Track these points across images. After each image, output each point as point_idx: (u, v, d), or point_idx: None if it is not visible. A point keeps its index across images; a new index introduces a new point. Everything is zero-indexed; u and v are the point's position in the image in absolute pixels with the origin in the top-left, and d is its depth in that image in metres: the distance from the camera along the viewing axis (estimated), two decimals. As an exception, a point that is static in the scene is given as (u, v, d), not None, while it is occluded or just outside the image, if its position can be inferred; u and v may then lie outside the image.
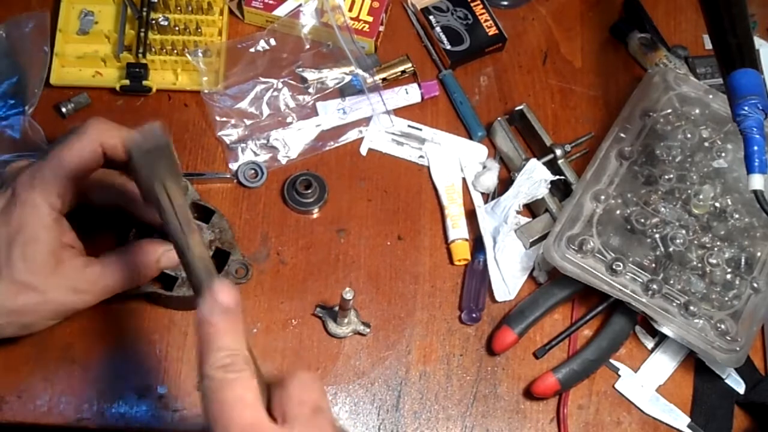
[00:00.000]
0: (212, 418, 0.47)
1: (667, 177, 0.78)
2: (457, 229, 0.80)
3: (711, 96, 0.82)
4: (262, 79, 0.84)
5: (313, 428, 0.49)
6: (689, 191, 0.77)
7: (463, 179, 0.83)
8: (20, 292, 0.61)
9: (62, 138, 0.67)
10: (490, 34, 0.88)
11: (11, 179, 0.63)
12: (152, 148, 0.55)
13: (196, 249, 0.54)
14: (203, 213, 0.74)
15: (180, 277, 0.71)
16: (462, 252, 0.79)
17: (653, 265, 0.74)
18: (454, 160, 0.83)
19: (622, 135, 0.80)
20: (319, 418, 0.49)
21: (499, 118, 0.83)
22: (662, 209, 0.76)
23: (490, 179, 0.82)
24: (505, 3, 0.92)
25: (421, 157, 0.84)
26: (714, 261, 0.74)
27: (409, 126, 0.85)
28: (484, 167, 0.83)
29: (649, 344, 0.78)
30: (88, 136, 0.63)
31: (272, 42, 0.86)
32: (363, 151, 0.84)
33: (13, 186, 0.62)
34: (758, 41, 0.91)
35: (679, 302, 0.73)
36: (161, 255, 0.67)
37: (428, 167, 0.83)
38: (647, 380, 0.76)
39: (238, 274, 0.72)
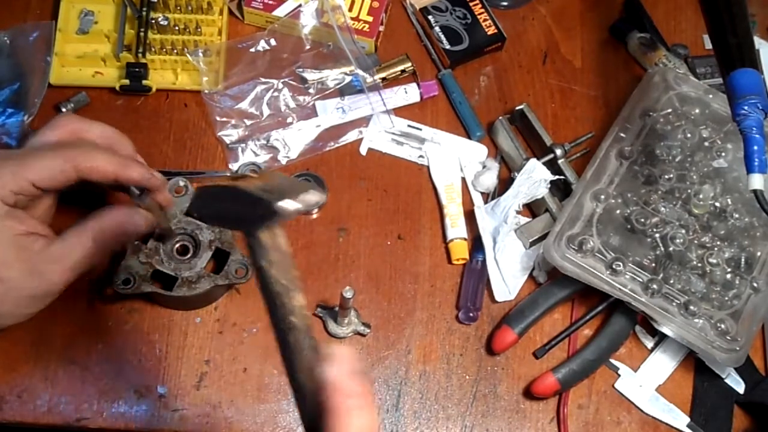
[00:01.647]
0: None
1: (667, 177, 0.78)
2: (456, 229, 0.80)
3: (711, 96, 0.83)
4: (263, 80, 0.84)
5: None
6: (689, 191, 0.77)
7: (463, 179, 0.83)
8: None
9: (40, 136, 0.65)
10: (489, 33, 0.88)
11: None
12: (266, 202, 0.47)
13: (299, 308, 0.46)
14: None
15: (180, 277, 0.71)
16: (460, 251, 0.79)
17: (653, 264, 0.74)
18: (454, 160, 0.83)
19: (622, 135, 0.80)
20: None
21: (500, 118, 0.83)
22: (662, 209, 0.76)
23: (490, 179, 0.82)
24: (505, 3, 0.92)
25: (420, 156, 0.84)
26: (714, 261, 0.74)
27: (408, 126, 0.85)
28: (484, 167, 0.83)
29: (649, 344, 0.78)
30: (63, 157, 0.62)
31: (272, 42, 0.86)
32: (363, 150, 0.84)
33: None
34: (758, 41, 0.91)
35: (679, 302, 0.73)
36: (127, 220, 0.65)
37: (428, 167, 0.83)
38: (647, 380, 0.76)
39: (237, 274, 0.72)
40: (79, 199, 0.70)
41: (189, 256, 0.72)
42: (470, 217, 0.80)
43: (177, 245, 0.72)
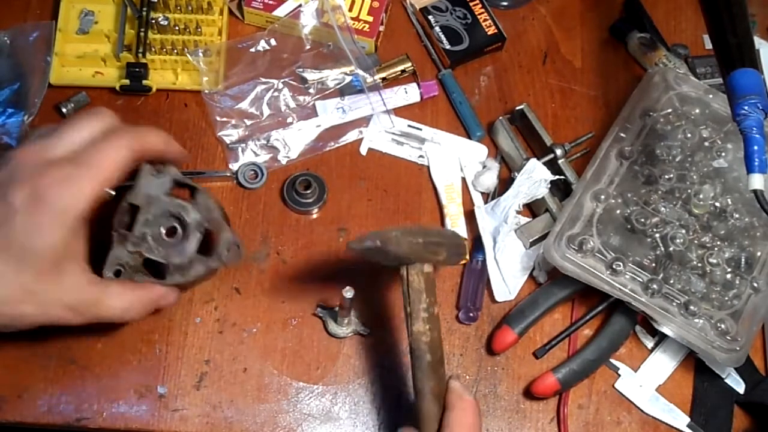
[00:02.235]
0: None
1: (667, 177, 0.78)
2: (456, 229, 0.80)
3: (711, 96, 0.83)
4: (263, 80, 0.84)
5: None
6: (689, 191, 0.77)
7: (463, 179, 0.83)
8: (24, 300, 0.59)
9: (79, 132, 0.62)
10: (489, 33, 0.88)
11: (30, 171, 0.58)
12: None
13: (416, 333, 0.61)
14: (187, 191, 0.69)
15: (170, 264, 0.67)
16: (461, 252, 0.79)
17: (653, 264, 0.74)
18: (454, 160, 0.83)
19: (622, 135, 0.80)
20: None
21: (500, 118, 0.83)
22: (662, 209, 0.76)
23: (490, 179, 0.82)
24: (505, 3, 0.92)
25: (420, 156, 0.84)
26: (714, 261, 0.74)
27: (408, 126, 0.85)
28: (484, 167, 0.83)
29: (649, 344, 0.78)
30: (125, 146, 0.61)
31: (272, 42, 0.86)
32: (363, 150, 0.84)
33: (37, 183, 0.57)
34: (758, 41, 0.91)
35: (679, 302, 0.73)
36: (162, 296, 0.66)
37: (428, 167, 0.83)
38: (647, 380, 0.76)
39: (229, 252, 0.68)
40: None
41: (178, 238, 0.67)
42: (470, 217, 0.80)
43: (165, 228, 0.68)
